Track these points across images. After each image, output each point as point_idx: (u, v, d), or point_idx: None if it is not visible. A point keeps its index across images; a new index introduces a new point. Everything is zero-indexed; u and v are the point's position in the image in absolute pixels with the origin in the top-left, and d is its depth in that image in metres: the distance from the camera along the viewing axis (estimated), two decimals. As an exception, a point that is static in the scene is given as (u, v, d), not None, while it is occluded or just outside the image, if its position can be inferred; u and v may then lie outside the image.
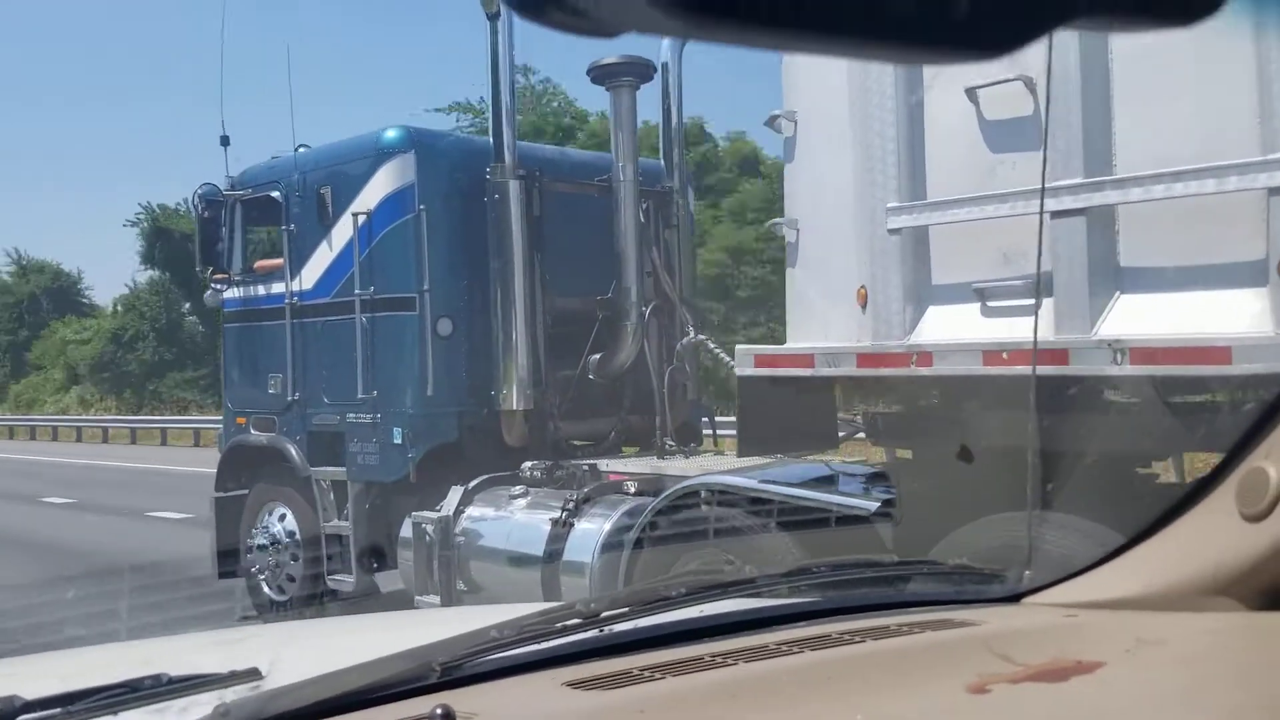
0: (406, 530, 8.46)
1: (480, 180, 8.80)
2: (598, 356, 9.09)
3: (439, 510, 8.33)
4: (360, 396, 8.75)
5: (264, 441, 9.77)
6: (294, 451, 9.42)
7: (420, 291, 8.67)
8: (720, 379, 8.73)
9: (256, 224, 10.17)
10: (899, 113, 5.41)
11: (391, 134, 8.75)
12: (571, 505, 7.66)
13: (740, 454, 6.65)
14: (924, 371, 5.29)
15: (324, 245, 9.21)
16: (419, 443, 8.62)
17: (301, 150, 9.78)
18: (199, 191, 9.91)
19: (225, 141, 10.04)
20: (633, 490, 7.73)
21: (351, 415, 8.93)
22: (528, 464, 8.50)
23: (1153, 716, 1.30)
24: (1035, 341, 4.10)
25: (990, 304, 5.17)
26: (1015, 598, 1.86)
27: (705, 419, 9.80)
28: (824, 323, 5.73)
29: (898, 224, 5.38)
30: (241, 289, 10.03)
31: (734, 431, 6.90)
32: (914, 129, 5.42)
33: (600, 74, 9.06)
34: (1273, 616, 1.54)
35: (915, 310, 5.43)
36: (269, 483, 9.84)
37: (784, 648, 1.59)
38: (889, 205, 5.38)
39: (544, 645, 1.55)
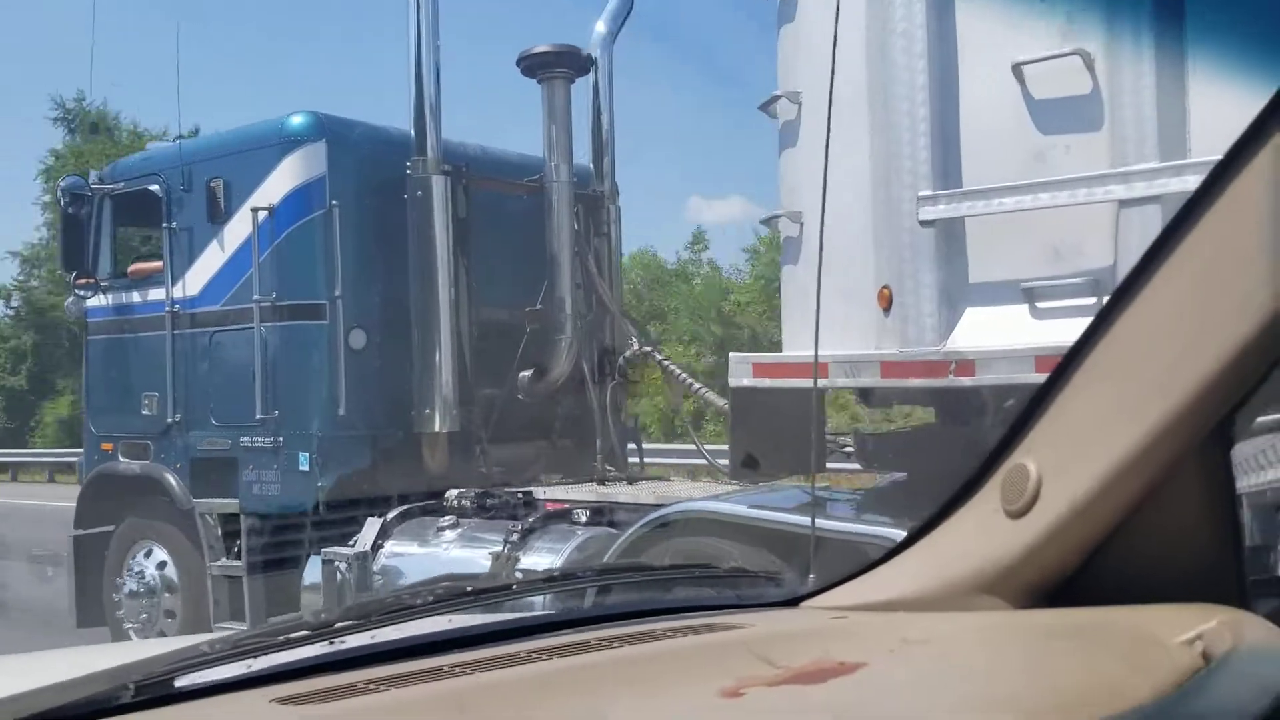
0: (314, 569, 7.41)
1: (398, 175, 7.86)
2: (528, 373, 8.22)
3: (353, 545, 7.32)
4: (258, 417, 7.65)
5: (136, 470, 8.52)
6: (173, 481, 8.21)
7: (330, 298, 7.66)
8: (666, 393, 7.93)
9: (130, 222, 8.94)
10: (930, 90, 4.82)
11: (298, 120, 7.74)
12: (515, 538, 6.78)
13: (733, 475, 5.92)
14: (964, 382, 4.66)
15: (214, 246, 8.08)
16: (329, 469, 7.58)
17: (185, 139, 8.61)
18: (62, 184, 8.66)
19: (95, 129, 8.79)
20: (583, 520, 6.90)
21: (246, 439, 7.81)
22: (453, 492, 7.57)
23: (903, 714, 1.28)
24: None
25: (1041, 305, 4.58)
26: (794, 601, 1.83)
27: (632, 444, 9.01)
28: (835, 328, 5.04)
29: (931, 214, 4.75)
30: (111, 296, 8.76)
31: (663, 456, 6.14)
32: (947, 109, 4.83)
33: (532, 64, 8.26)
34: (1034, 614, 1.55)
35: (949, 313, 4.81)
36: (140, 517, 8.58)
37: (533, 655, 1.51)
38: (921, 194, 4.74)
39: (262, 661, 1.42)
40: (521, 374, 8.24)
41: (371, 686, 1.36)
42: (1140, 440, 1.42)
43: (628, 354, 8.12)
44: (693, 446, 8.72)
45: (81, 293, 8.72)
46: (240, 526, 7.81)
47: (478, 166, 8.28)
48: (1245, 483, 2.53)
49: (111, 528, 8.72)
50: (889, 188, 4.91)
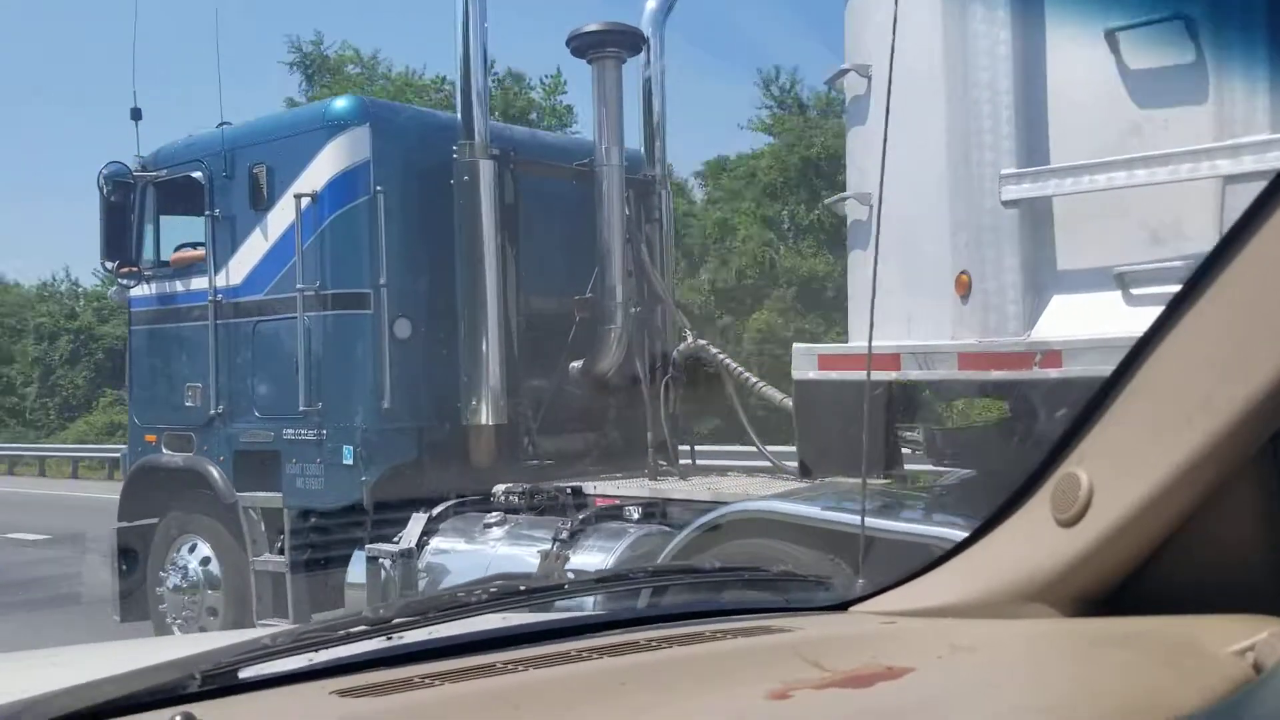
0: (358, 566, 7.20)
1: (445, 161, 7.62)
2: (578, 364, 7.96)
3: (398, 541, 7.10)
4: (302, 409, 7.45)
5: (179, 462, 8.36)
6: (216, 474, 8.04)
7: (375, 287, 7.43)
8: (721, 389, 7.63)
9: (173, 210, 8.76)
10: (1013, 61, 4.46)
11: (342, 104, 7.52)
12: (565, 535, 6.53)
13: (802, 475, 5.62)
14: (1051, 374, 4.32)
15: (257, 233, 7.89)
16: (374, 463, 7.36)
17: (227, 126, 8.42)
18: (104, 172, 8.47)
19: (137, 115, 8.65)
20: (635, 517, 6.62)
21: (290, 431, 7.62)
22: (501, 487, 7.33)
23: None
24: None
25: (1136, 291, 4.23)
26: (842, 606, 1.84)
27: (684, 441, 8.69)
28: (906, 317, 4.71)
29: (1014, 194, 4.41)
30: (154, 285, 8.61)
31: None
32: (1032, 79, 4.48)
33: (583, 44, 7.97)
34: (1082, 622, 1.55)
35: (1034, 300, 4.47)
36: (184, 511, 8.43)
37: (583, 654, 1.52)
38: (1004, 172, 4.40)
39: (323, 654, 1.45)
40: (571, 365, 7.98)
41: (427, 681, 1.38)
42: (1193, 452, 1.40)
43: (681, 347, 7.81)
44: (748, 445, 8.39)
45: (125, 282, 8.57)
46: (284, 521, 7.62)
47: (526, 151, 8.03)
48: None
49: (155, 520, 8.58)
50: (968, 166, 4.57)
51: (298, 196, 7.47)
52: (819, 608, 1.89)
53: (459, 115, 7.61)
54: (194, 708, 1.25)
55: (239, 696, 1.36)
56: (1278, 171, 1.35)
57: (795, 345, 5.33)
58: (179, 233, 8.74)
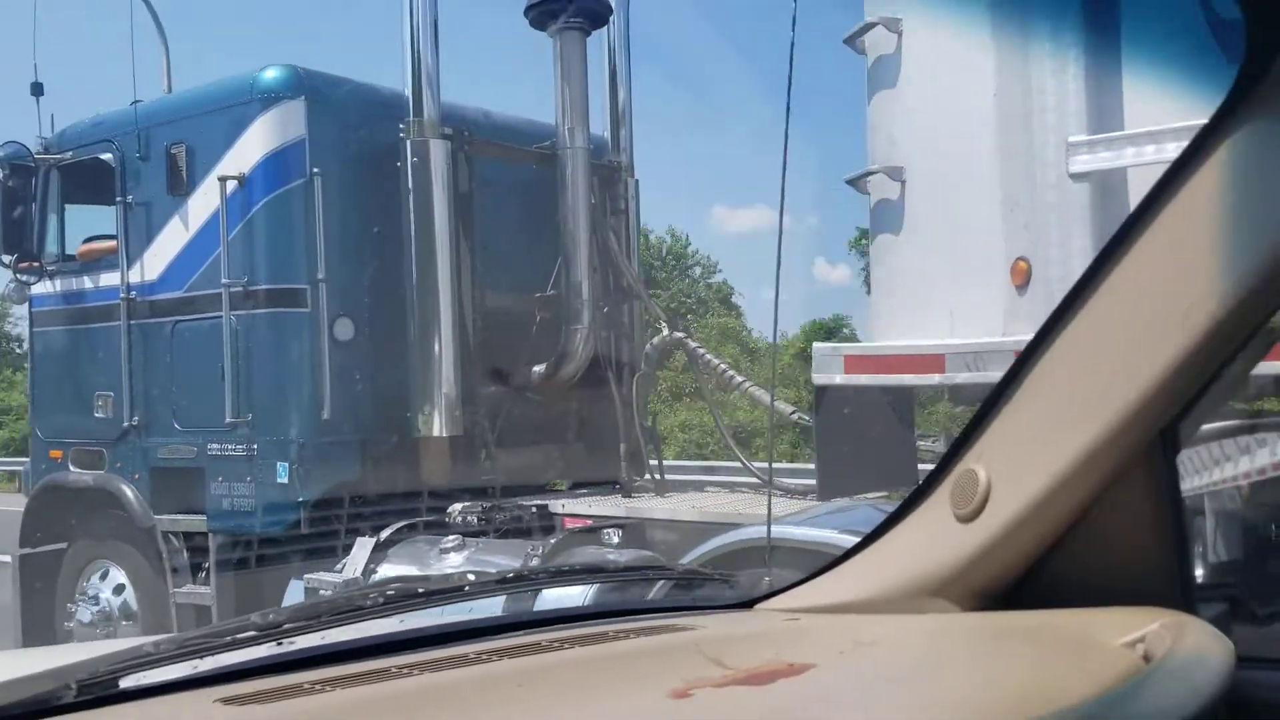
0: (295, 597, 6.35)
1: (390, 141, 6.80)
2: (540, 368, 7.18)
3: (341, 570, 6.27)
4: (228, 421, 6.56)
5: (88, 481, 7.41)
6: (130, 494, 7.11)
7: (313, 282, 6.58)
8: (707, 390, 6.90)
9: (80, 197, 7.79)
10: (1082, 9, 3.78)
11: (273, 74, 6.64)
12: (535, 563, 5.74)
13: (821, 494, 4.90)
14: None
15: (175, 222, 6.98)
16: (311, 481, 6.50)
17: (141, 103, 7.49)
18: (0, 154, 7.49)
19: (38, 90, 7.67)
20: (615, 541, 5.87)
21: (215, 446, 6.72)
22: (457, 506, 6.55)
23: (849, 716, 1.29)
24: None
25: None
26: (748, 604, 1.83)
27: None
28: (948, 310, 4.01)
29: (1084, 165, 3.74)
30: (58, 281, 7.64)
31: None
32: (1103, 37, 3.79)
33: (543, 13, 7.18)
34: (981, 617, 1.58)
35: (1107, 290, 3.79)
36: (95, 536, 7.48)
37: (481, 657, 1.50)
38: (1071, 139, 3.72)
39: (209, 661, 1.39)
40: (533, 369, 7.20)
41: (318, 687, 1.34)
42: (1087, 446, 1.45)
43: (656, 340, 7.05)
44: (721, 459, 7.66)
45: (24, 278, 7.58)
46: (209, 547, 6.73)
47: (480, 131, 7.22)
48: (1191, 483, 2.29)
49: (63, 545, 7.61)
50: (1028, 134, 3.89)
51: (222, 180, 6.58)
52: (724, 606, 1.88)
53: (407, 89, 6.78)
54: (69, 719, 1.23)
55: (117, 707, 1.30)
56: (1166, 170, 1.35)
57: (816, 345, 4.61)
58: (86, 223, 7.79)
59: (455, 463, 6.83)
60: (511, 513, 6.50)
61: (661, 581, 2.26)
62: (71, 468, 7.59)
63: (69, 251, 7.72)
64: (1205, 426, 1.91)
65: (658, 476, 7.12)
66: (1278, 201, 1.32)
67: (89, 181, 7.58)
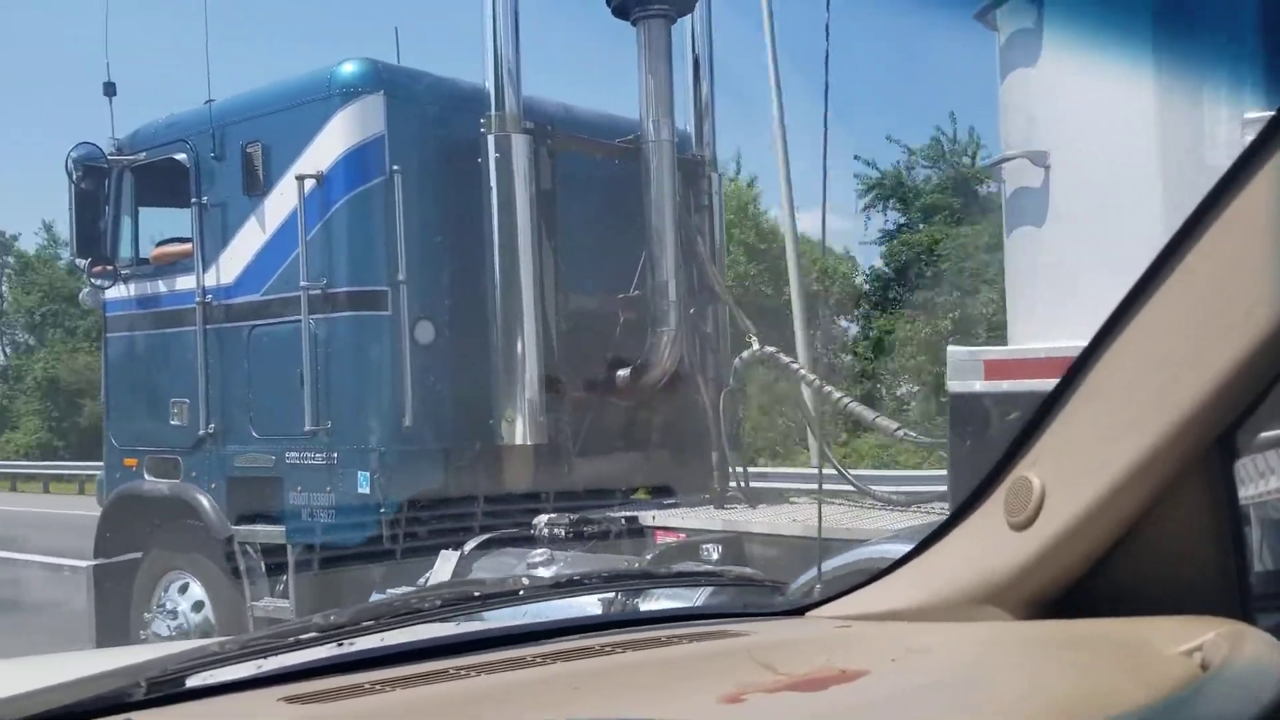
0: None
1: (470, 137, 6.54)
2: (624, 372, 6.88)
3: (424, 583, 6.01)
4: (307, 429, 6.34)
5: (164, 491, 7.24)
6: (207, 504, 6.92)
7: (393, 284, 6.34)
8: (789, 403, 6.55)
9: (154, 199, 7.65)
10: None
11: (351, 68, 6.41)
12: (631, 581, 5.43)
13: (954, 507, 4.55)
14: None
15: (252, 223, 6.78)
16: (393, 491, 6.25)
17: (215, 101, 7.31)
18: (74, 155, 7.36)
19: (110, 90, 7.52)
20: (715, 557, 5.54)
21: (294, 454, 6.50)
22: (543, 517, 6.27)
23: None
24: None
25: None
26: (799, 611, 1.83)
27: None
28: (1096, 306, 3.58)
29: (1266, 146, 3.29)
30: (132, 285, 7.49)
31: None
32: (1283, -3, 3.40)
33: (627, 1, 6.89)
34: (1035, 625, 1.57)
35: (1292, 285, 3.39)
36: (170, 546, 7.31)
37: (537, 660, 1.52)
38: (1248, 116, 3.33)
39: (272, 661, 1.44)
40: (616, 373, 6.91)
41: (377, 687, 1.37)
42: (1143, 453, 1.43)
43: (745, 355, 6.72)
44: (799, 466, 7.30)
45: (99, 282, 7.43)
46: (287, 558, 6.51)
47: (560, 127, 6.94)
48: (1249, 490, 2.22)
49: (138, 555, 7.45)
50: (1196, 110, 3.49)
51: (300, 179, 6.37)
52: (776, 612, 1.90)
53: (487, 83, 6.52)
54: (139, 716, 1.25)
55: (185, 704, 1.33)
56: (1225, 172, 1.33)
57: (951, 349, 4.25)
58: (161, 225, 7.64)
59: (538, 471, 6.56)
60: (600, 524, 6.20)
61: (713, 587, 2.23)
62: (146, 476, 7.43)
63: (143, 255, 7.57)
64: (1265, 434, 1.82)
65: (743, 484, 6.79)
66: None
67: (163, 183, 7.42)
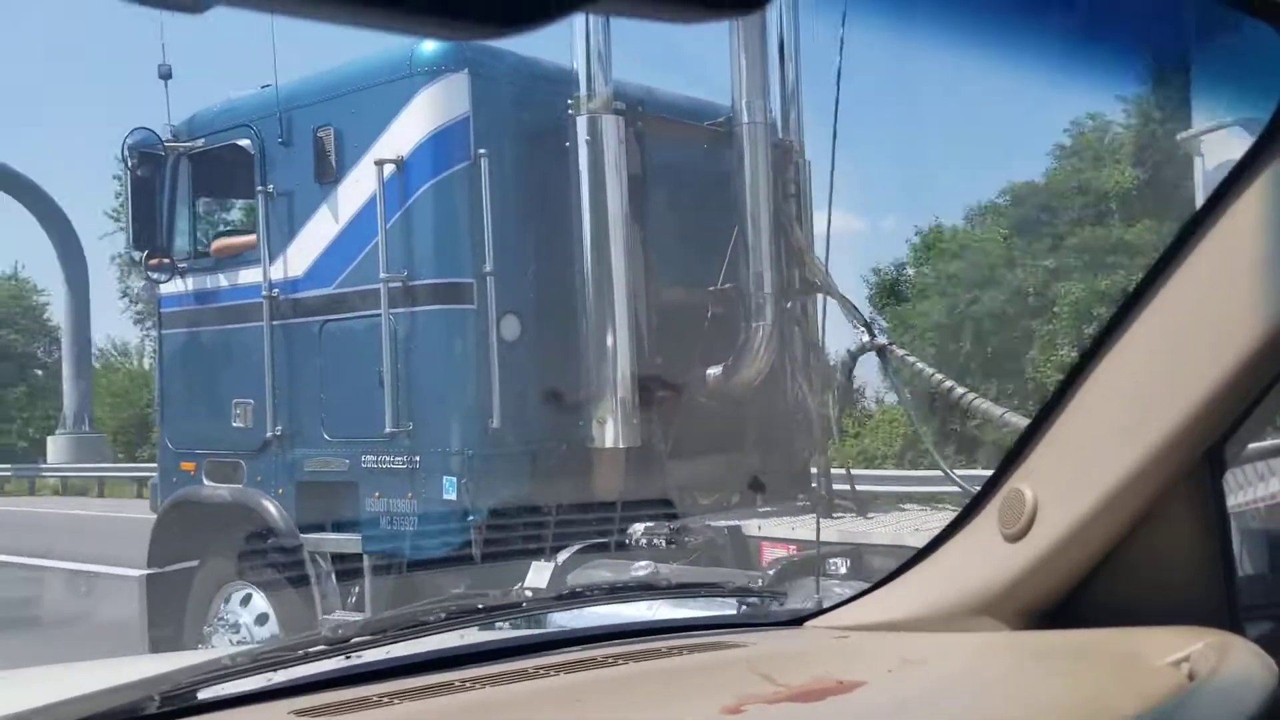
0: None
1: (555, 118, 6.13)
2: (715, 370, 6.46)
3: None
4: (388, 430, 5.92)
5: (225, 496, 6.84)
6: (274, 510, 6.51)
7: (479, 275, 5.92)
8: (906, 399, 6.12)
9: (214, 187, 7.27)
10: None
11: (432, 46, 5.97)
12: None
13: None
14: None
15: (323, 212, 6.38)
16: (481, 497, 5.83)
17: (280, 85, 6.90)
18: (129, 141, 6.97)
19: (166, 74, 7.12)
20: (843, 571, 5.12)
21: (371, 458, 6.10)
22: (639, 526, 5.84)
23: None
24: None
25: None
26: (798, 621, 1.86)
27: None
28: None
29: None
30: (191, 279, 7.08)
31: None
32: None
33: (720, -25, 6.45)
34: (1028, 635, 1.59)
35: None
36: (231, 555, 6.90)
37: (539, 671, 1.54)
38: None
39: (281, 674, 1.47)
40: (707, 370, 6.48)
41: (384, 700, 1.40)
42: (1133, 466, 1.45)
43: (854, 347, 6.29)
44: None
45: (157, 276, 7.03)
46: (362, 569, 6.10)
47: (651, 107, 6.52)
48: (1237, 500, 2.05)
49: (194, 564, 7.05)
50: None
51: (379, 163, 5.95)
52: (774, 623, 1.92)
53: (575, 62, 6.11)
54: None
55: (198, 717, 1.35)
56: (1212, 193, 1.36)
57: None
58: (221, 216, 7.24)
59: (630, 476, 6.13)
60: (701, 534, 5.78)
61: (714, 598, 2.26)
62: (205, 481, 7.03)
63: (201, 247, 7.18)
64: (1253, 445, 1.83)
65: (853, 489, 6.36)
66: None
67: (223, 171, 7.05)
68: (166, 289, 7.20)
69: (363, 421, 6.08)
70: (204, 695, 1.39)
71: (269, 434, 6.53)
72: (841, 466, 6.52)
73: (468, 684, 1.45)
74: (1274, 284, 1.31)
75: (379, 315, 5.95)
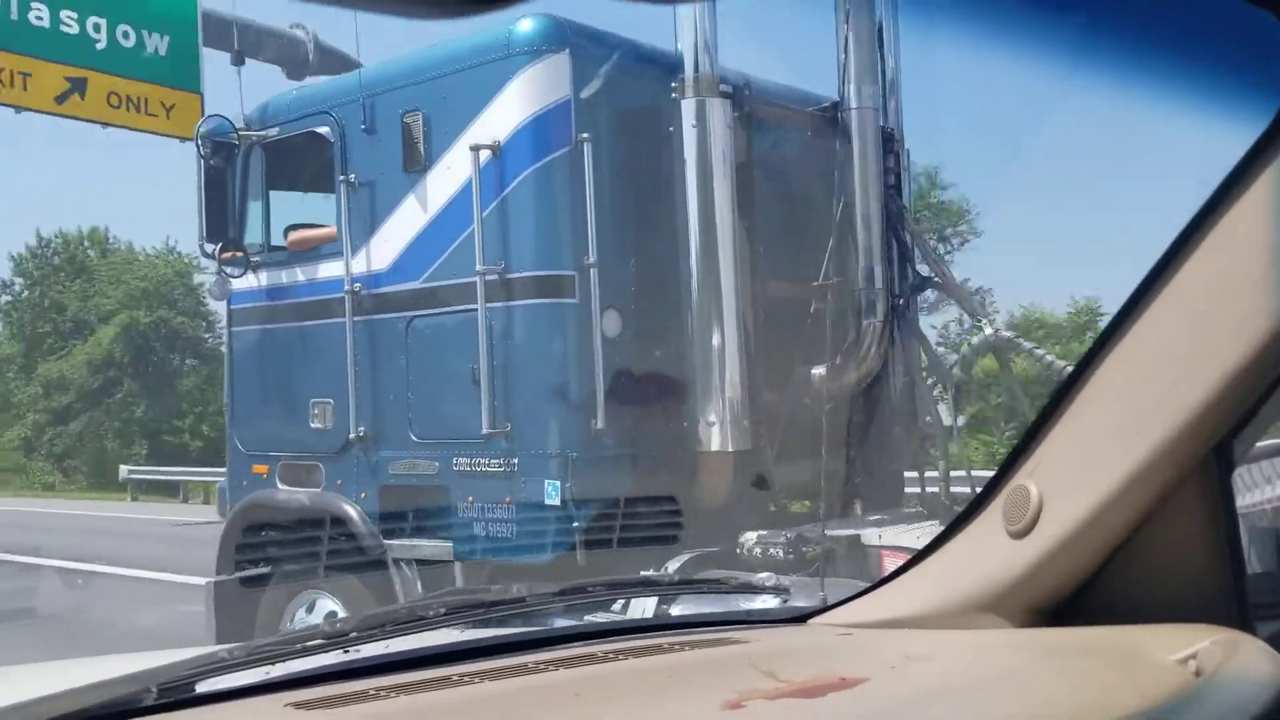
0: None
1: (655, 102, 5.80)
2: (820, 370, 6.10)
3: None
4: (485, 431, 5.59)
5: (303, 501, 6.52)
6: (355, 515, 6.19)
7: (581, 267, 5.59)
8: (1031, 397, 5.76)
9: (288, 177, 6.95)
10: None
11: (531, 25, 5.66)
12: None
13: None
14: None
15: (411, 202, 6.06)
16: (586, 502, 5.49)
17: (362, 71, 6.60)
18: (202, 129, 6.67)
19: (239, 59, 6.84)
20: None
21: (463, 460, 5.77)
22: (751, 535, 5.51)
23: None
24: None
25: None
26: (802, 618, 1.84)
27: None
28: None
29: None
30: (265, 273, 6.77)
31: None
32: None
33: (828, -47, 6.13)
34: (1032, 633, 1.57)
35: None
36: (307, 562, 6.59)
37: (539, 667, 1.53)
38: None
39: (279, 668, 1.46)
40: (811, 370, 6.13)
41: (382, 694, 1.38)
42: (1140, 462, 1.43)
43: (976, 341, 5.93)
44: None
45: (230, 270, 6.73)
46: (454, 577, 5.77)
47: (755, 92, 6.19)
48: (1249, 500, 1.99)
49: (266, 571, 6.73)
50: None
51: (475, 149, 5.63)
52: (779, 620, 1.90)
53: (680, 43, 5.78)
54: None
55: (194, 710, 1.34)
56: (1219, 185, 1.35)
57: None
58: (295, 208, 6.94)
59: (738, 481, 5.79)
60: (817, 544, 5.43)
61: (718, 595, 2.22)
62: (279, 484, 6.71)
63: (275, 240, 6.87)
64: (1268, 443, 1.75)
65: (969, 490, 5.99)
66: None
67: (299, 160, 6.73)
68: (237, 284, 6.90)
69: (455, 422, 5.76)
70: (201, 688, 1.37)
71: (351, 435, 6.21)
72: (961, 469, 6.16)
73: (465, 679, 1.44)
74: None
75: (473, 310, 5.63)
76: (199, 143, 6.62)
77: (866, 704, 1.35)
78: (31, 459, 31.48)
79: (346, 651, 1.51)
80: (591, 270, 5.55)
